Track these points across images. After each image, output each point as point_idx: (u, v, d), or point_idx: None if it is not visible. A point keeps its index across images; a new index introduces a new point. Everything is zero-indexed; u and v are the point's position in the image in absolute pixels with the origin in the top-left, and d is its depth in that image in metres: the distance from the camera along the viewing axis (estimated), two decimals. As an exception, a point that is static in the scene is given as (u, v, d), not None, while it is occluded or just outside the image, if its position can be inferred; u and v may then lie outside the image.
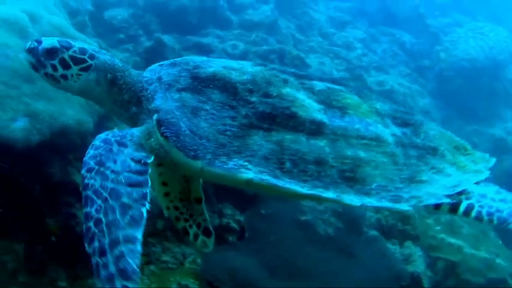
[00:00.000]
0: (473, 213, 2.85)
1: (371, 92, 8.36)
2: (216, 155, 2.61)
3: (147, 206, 2.50)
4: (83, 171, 2.57)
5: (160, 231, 5.12)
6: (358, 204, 2.65)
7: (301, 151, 2.68)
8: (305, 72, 3.41)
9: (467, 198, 2.88)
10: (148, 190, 2.56)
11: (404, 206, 2.72)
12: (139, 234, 2.41)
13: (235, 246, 5.37)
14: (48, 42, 2.95)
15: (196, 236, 3.55)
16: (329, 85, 3.09)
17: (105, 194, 2.48)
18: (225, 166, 2.59)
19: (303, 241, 5.65)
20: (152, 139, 2.77)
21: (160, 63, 3.12)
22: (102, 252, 2.35)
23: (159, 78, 2.94)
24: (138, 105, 2.98)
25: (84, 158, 2.62)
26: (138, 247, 2.37)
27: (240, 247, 5.35)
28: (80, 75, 2.97)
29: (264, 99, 2.81)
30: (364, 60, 10.68)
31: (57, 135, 4.68)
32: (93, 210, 2.45)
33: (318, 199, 2.70)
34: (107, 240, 2.38)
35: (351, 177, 2.71)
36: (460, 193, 2.88)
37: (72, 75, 2.96)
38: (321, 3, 12.38)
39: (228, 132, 2.67)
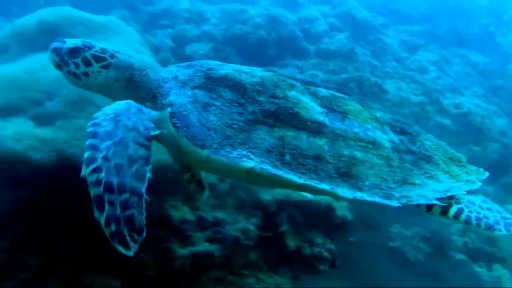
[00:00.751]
0: (463, 217, 3.02)
1: (447, 114, 8.44)
2: (221, 145, 2.78)
3: (150, 166, 2.68)
4: (98, 114, 2.79)
5: (253, 262, 5.17)
6: (351, 197, 2.81)
7: (301, 147, 2.86)
8: (311, 80, 3.63)
9: (457, 203, 3.05)
10: (150, 153, 2.74)
11: (394, 203, 2.87)
12: (144, 191, 2.59)
13: (327, 275, 5.44)
14: (71, 42, 3.22)
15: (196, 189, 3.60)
16: (333, 92, 3.30)
17: (115, 139, 2.66)
18: (229, 155, 2.75)
19: (393, 267, 5.70)
20: (164, 128, 2.95)
21: (177, 64, 3.37)
22: (110, 190, 2.52)
23: (175, 77, 3.16)
24: (153, 101, 3.16)
25: (101, 109, 2.85)
26: (143, 204, 2.57)
27: (331, 275, 5.42)
28: (101, 72, 3.21)
29: (271, 99, 3.01)
30: (438, 83, 10.60)
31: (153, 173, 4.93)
32: (102, 145, 2.62)
33: (313, 190, 2.85)
34: (114, 180, 2.54)
35: (346, 173, 2.88)
36: (450, 198, 3.06)
37: (93, 72, 3.20)
38: (392, 28, 12.39)
39: (234, 126, 2.86)
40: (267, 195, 5.52)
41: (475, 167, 3.42)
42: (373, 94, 8.26)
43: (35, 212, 4.44)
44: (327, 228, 5.77)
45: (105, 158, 2.59)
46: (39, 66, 5.90)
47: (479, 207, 3.09)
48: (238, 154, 2.77)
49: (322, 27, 9.96)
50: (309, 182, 2.79)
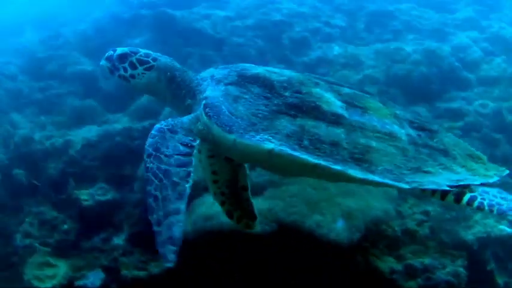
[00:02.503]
0: (476, 203, 3.16)
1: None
2: (246, 131, 3.12)
3: (191, 182, 3.08)
4: (145, 157, 3.20)
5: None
6: (361, 177, 3.05)
7: (319, 134, 3.13)
8: (337, 81, 3.80)
9: (470, 192, 3.21)
10: (192, 169, 3.12)
11: (404, 186, 3.09)
12: (183, 206, 3.00)
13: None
14: (120, 49, 3.74)
15: (239, 219, 4.22)
16: (356, 91, 3.58)
17: (160, 175, 3.07)
18: (252, 139, 3.09)
19: None
20: (199, 122, 3.35)
21: (215, 66, 3.76)
22: (158, 223, 2.95)
23: (212, 76, 3.54)
24: (193, 98, 3.57)
25: (145, 146, 3.24)
26: (182, 217, 2.96)
27: None
28: (144, 73, 3.68)
29: (295, 94, 3.31)
30: None
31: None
32: (152, 188, 3.06)
33: (328, 172, 3.08)
34: (161, 213, 2.97)
35: (360, 158, 3.11)
36: (465, 187, 3.22)
37: (138, 74, 3.66)
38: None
39: (259, 115, 3.19)
40: (468, 234, 5.48)
41: (496, 165, 3.51)
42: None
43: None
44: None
45: (155, 199, 3.05)
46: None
47: (493, 196, 3.21)
48: (260, 138, 3.09)
49: (476, 53, 9.61)
50: (322, 162, 3.05)
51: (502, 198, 3.20)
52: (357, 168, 3.08)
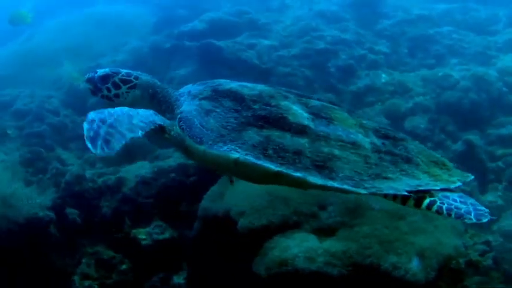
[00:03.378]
0: (434, 208, 3.18)
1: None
2: (215, 142, 3.28)
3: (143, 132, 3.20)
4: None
5: None
6: (321, 183, 3.12)
7: (284, 144, 3.24)
8: (307, 94, 3.88)
9: (430, 196, 3.22)
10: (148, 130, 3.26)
11: (362, 191, 3.14)
12: (128, 135, 3.10)
13: None
14: (101, 71, 3.83)
15: None
16: (324, 103, 3.64)
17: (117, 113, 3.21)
18: (220, 149, 3.25)
19: None
20: (173, 131, 3.49)
21: (193, 84, 3.85)
22: (103, 121, 3.09)
23: (189, 92, 3.67)
24: (171, 112, 3.68)
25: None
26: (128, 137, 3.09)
27: None
28: (129, 92, 3.79)
29: (264, 106, 3.42)
30: None
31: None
32: (104, 115, 3.15)
33: (290, 179, 3.17)
34: (111, 119, 3.13)
35: (321, 166, 3.19)
36: (425, 192, 3.24)
37: (122, 93, 3.78)
38: None
39: (228, 127, 3.33)
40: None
41: (460, 171, 3.54)
42: None
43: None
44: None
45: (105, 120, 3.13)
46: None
47: (453, 200, 3.23)
48: (227, 148, 3.24)
49: (523, 77, 9.42)
50: (283, 170, 3.15)
51: (461, 202, 3.24)
52: (318, 175, 3.18)
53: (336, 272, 4.76)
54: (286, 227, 5.35)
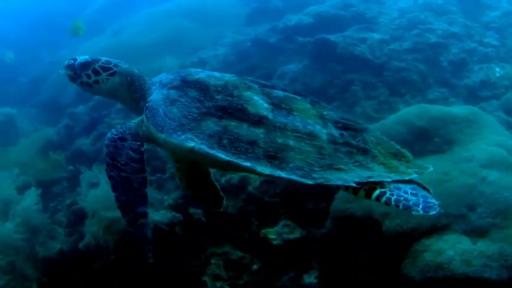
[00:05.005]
0: (383, 199, 3.21)
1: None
2: (175, 131, 3.41)
3: (147, 187, 3.55)
4: (105, 166, 3.60)
5: None
6: (268, 173, 3.21)
7: (240, 134, 3.35)
8: (272, 84, 3.94)
9: (381, 188, 3.25)
10: (147, 175, 3.60)
11: (309, 181, 3.20)
12: (147, 210, 3.50)
13: None
14: (82, 58, 3.98)
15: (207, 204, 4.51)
16: (287, 94, 3.72)
17: (122, 183, 3.53)
18: (178, 138, 3.39)
19: None
20: (143, 125, 3.67)
21: (167, 72, 4.00)
22: (132, 224, 3.49)
23: (160, 81, 3.82)
24: (144, 100, 3.81)
25: (104, 155, 3.64)
26: (148, 220, 3.51)
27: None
28: (108, 79, 3.96)
29: (226, 97, 3.54)
30: None
31: None
32: (118, 194, 3.52)
33: (239, 166, 3.28)
34: (132, 215, 3.48)
35: (273, 156, 3.26)
36: (377, 184, 3.27)
37: (102, 80, 3.95)
38: None
39: (189, 116, 3.46)
40: None
41: (421, 163, 3.56)
42: None
43: None
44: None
45: (124, 203, 3.54)
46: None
47: (404, 193, 3.24)
48: (185, 137, 3.37)
49: None
50: (233, 160, 3.27)
51: (412, 194, 3.26)
52: (268, 165, 3.26)
53: (495, 275, 4.66)
54: (435, 229, 5.24)
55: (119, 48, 11.91)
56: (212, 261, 6.71)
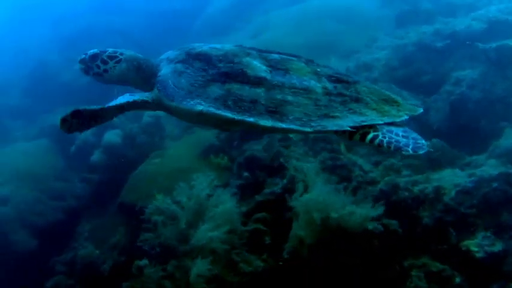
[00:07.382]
0: (376, 141, 3.52)
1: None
2: (184, 98, 3.82)
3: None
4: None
5: None
6: (270, 125, 3.59)
7: (242, 95, 3.73)
8: (269, 50, 4.23)
9: (374, 131, 3.57)
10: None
11: (307, 129, 3.57)
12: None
13: None
14: (91, 51, 4.33)
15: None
16: (283, 56, 4.07)
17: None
18: (188, 104, 3.79)
19: None
20: (155, 95, 4.05)
21: (173, 50, 4.30)
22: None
23: (167, 58, 4.18)
24: (154, 77, 4.16)
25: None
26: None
27: None
28: (115, 66, 4.29)
29: (227, 64, 3.92)
30: None
31: None
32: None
33: (245, 122, 3.66)
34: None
35: (274, 111, 3.65)
36: (370, 127, 3.60)
37: (110, 68, 4.29)
38: None
39: (195, 85, 3.85)
40: None
41: (411, 106, 3.81)
42: None
43: None
44: None
45: None
46: None
47: (396, 135, 3.52)
48: (194, 102, 3.77)
49: None
50: (238, 117, 3.64)
51: (403, 136, 3.52)
52: (269, 119, 3.62)
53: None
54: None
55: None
56: (413, 273, 6.75)
